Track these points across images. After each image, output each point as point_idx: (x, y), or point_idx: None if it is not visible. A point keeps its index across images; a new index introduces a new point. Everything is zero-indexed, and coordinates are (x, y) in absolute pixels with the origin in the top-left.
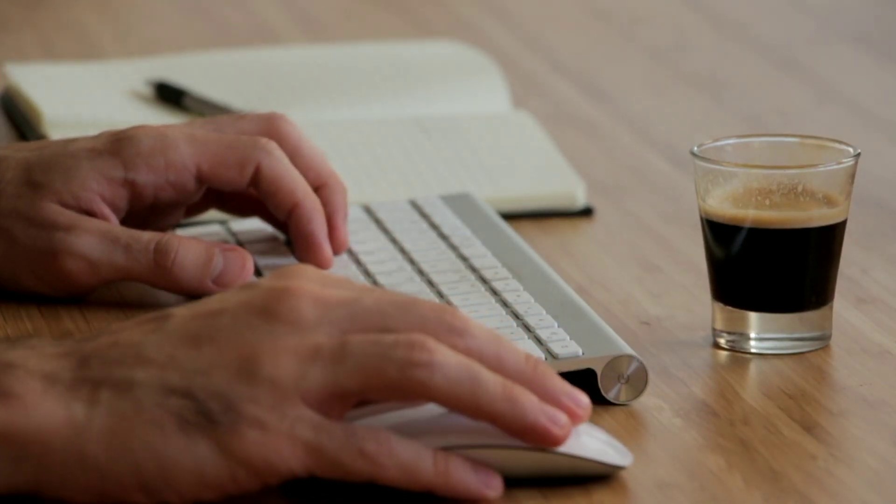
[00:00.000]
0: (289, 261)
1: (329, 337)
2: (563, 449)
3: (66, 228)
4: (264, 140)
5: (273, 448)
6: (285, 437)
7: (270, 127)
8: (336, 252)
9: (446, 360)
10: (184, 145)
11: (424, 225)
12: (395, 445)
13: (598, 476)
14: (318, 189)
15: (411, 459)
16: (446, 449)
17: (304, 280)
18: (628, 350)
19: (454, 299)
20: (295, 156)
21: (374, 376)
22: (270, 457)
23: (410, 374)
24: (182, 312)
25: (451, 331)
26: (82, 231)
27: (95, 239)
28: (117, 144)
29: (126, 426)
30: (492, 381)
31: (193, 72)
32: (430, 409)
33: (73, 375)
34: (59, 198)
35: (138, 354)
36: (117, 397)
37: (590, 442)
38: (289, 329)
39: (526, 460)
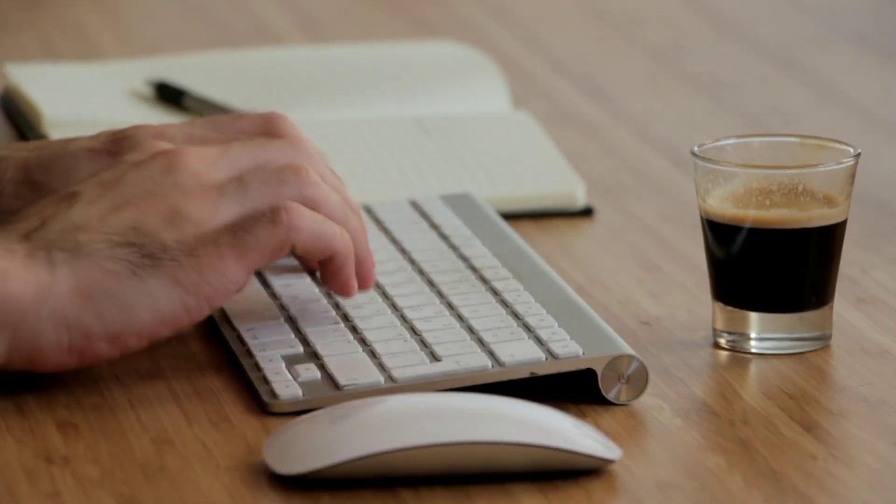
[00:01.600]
0: (287, 258)
1: (225, 175)
2: (556, 444)
3: None
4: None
5: (209, 267)
6: (216, 255)
7: (269, 126)
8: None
9: (319, 180)
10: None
11: (424, 225)
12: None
13: (592, 471)
14: None
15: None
16: (444, 444)
17: (178, 142)
18: (628, 350)
19: (454, 299)
20: None
21: (276, 195)
22: (210, 275)
23: (306, 192)
24: (87, 188)
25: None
26: None
27: None
28: (116, 145)
29: (86, 280)
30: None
31: (193, 72)
32: (427, 405)
33: (25, 247)
34: None
35: (71, 224)
36: (72, 257)
37: (580, 439)
38: (188, 179)
39: (520, 455)
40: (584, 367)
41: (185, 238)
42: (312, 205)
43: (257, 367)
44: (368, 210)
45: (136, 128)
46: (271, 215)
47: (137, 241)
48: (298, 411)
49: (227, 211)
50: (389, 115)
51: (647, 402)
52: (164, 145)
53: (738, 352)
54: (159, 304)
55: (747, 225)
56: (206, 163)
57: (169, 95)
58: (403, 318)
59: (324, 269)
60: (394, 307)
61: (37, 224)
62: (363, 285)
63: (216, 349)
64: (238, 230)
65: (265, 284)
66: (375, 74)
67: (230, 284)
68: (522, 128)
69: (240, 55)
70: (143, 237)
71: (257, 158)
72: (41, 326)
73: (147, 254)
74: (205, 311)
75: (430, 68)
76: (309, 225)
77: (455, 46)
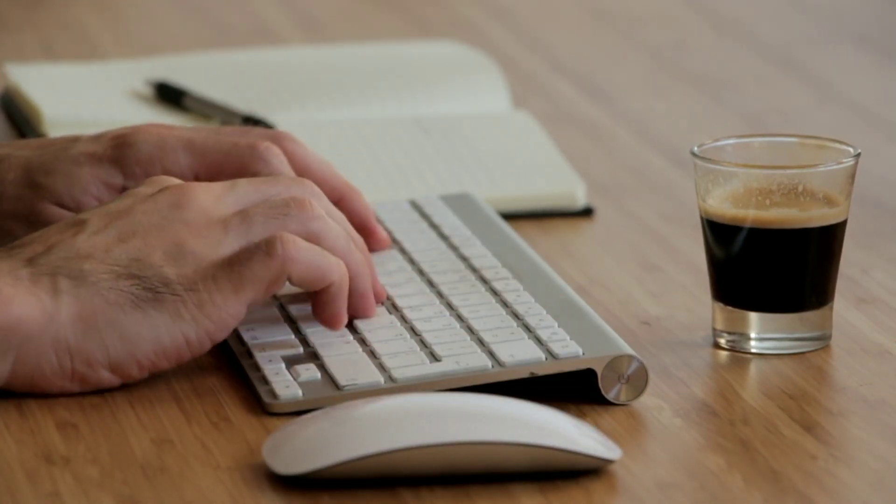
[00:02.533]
0: None
1: (230, 210)
2: (557, 444)
3: None
4: (264, 146)
5: (209, 301)
6: (215, 289)
7: (278, 145)
8: (378, 247)
9: (323, 213)
10: (182, 154)
11: (424, 225)
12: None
13: (592, 471)
14: (337, 203)
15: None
16: (444, 444)
17: (188, 180)
18: (628, 350)
19: (454, 299)
20: (305, 175)
21: (279, 228)
22: (210, 310)
23: (310, 225)
24: (95, 217)
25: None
26: None
27: None
28: (118, 151)
29: (90, 309)
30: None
31: (194, 72)
32: (427, 405)
33: (29, 272)
34: (60, 200)
35: (76, 252)
36: (75, 285)
37: (580, 439)
38: (196, 214)
39: (520, 455)
40: (584, 367)
41: (186, 273)
42: (315, 238)
43: (257, 367)
44: None
45: (137, 131)
46: (266, 247)
47: (140, 273)
48: (298, 411)
49: (230, 245)
50: (389, 116)
51: (647, 402)
52: (174, 180)
53: (738, 352)
54: (161, 337)
55: (747, 225)
56: (214, 198)
57: (169, 95)
58: (403, 318)
59: (316, 299)
60: (394, 307)
61: (42, 250)
62: (362, 315)
63: (216, 349)
64: (234, 263)
65: None
66: (376, 75)
67: (229, 319)
68: (523, 127)
69: (240, 55)
70: (147, 270)
71: (263, 194)
72: (44, 350)
73: (149, 287)
74: (206, 346)
75: (429, 68)
76: (304, 256)
77: (455, 46)
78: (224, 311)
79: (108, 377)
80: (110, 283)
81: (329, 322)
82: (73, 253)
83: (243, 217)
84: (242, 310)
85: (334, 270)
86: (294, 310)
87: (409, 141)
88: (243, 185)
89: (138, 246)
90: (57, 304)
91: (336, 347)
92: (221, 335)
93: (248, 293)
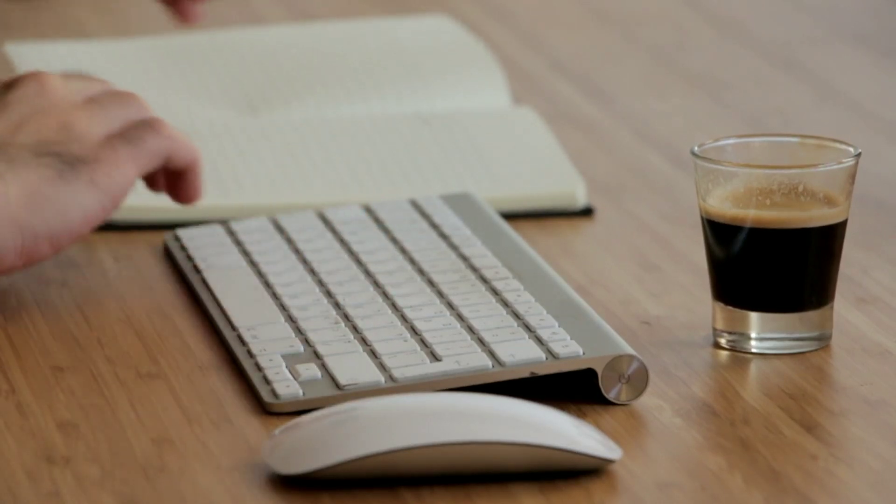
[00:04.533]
0: (287, 258)
1: (81, 97)
2: (557, 444)
3: None
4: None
5: (114, 169)
6: (117, 159)
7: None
8: None
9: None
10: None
11: (424, 225)
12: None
13: (592, 471)
14: None
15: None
16: (444, 444)
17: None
18: (629, 350)
19: (454, 299)
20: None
21: (133, 113)
22: (116, 177)
23: (149, 112)
24: None
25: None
26: None
27: None
28: None
29: (30, 186)
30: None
31: (192, 59)
32: (427, 405)
33: None
34: None
35: None
36: (10, 168)
37: (580, 439)
38: (62, 97)
39: (520, 455)
40: (584, 367)
41: (87, 146)
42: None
43: (258, 366)
44: (368, 210)
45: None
46: (154, 125)
47: (52, 150)
48: (299, 411)
49: (104, 123)
50: (390, 112)
51: (647, 402)
52: (35, 73)
53: (738, 352)
54: (86, 206)
55: (747, 225)
56: (62, 83)
57: None
58: (403, 318)
59: (183, 178)
60: (394, 307)
61: None
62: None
63: (216, 349)
64: (130, 138)
65: (265, 284)
66: (375, 71)
67: (128, 185)
68: (525, 123)
69: (232, 35)
70: (55, 147)
71: (92, 85)
72: (2, 232)
73: (66, 161)
74: (109, 215)
75: (426, 56)
76: (180, 135)
77: (442, 22)
78: (126, 178)
79: (47, 250)
80: (36, 161)
81: (194, 197)
82: None
83: (98, 103)
84: (136, 178)
85: (197, 150)
86: (294, 310)
87: (409, 136)
88: (73, 76)
89: (36, 129)
90: (5, 186)
91: (336, 347)
92: (122, 201)
93: (142, 163)
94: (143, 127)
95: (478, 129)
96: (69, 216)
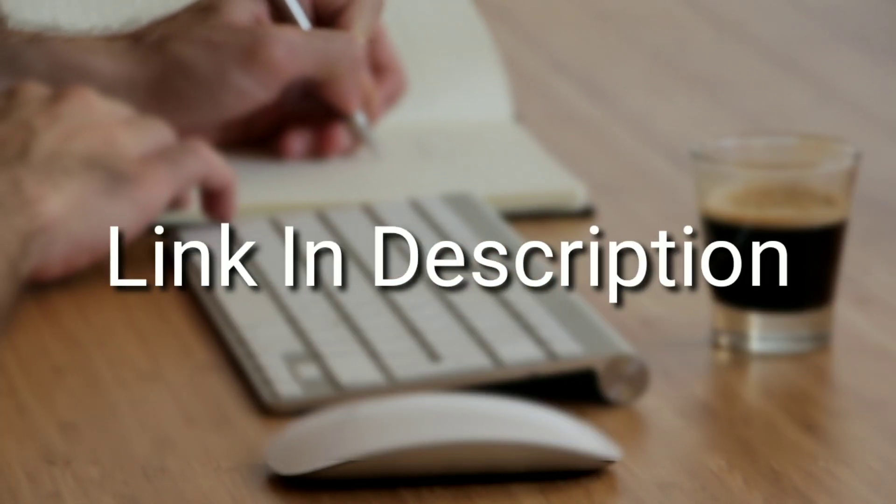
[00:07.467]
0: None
1: (128, 113)
2: (557, 444)
3: (265, 27)
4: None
5: (153, 188)
6: (157, 178)
7: None
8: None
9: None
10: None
11: (424, 225)
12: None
13: (592, 471)
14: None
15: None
16: (444, 444)
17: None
18: (628, 350)
19: (454, 299)
20: None
21: (163, 136)
22: (154, 196)
23: (171, 135)
24: (34, 119)
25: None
26: (281, 28)
27: (295, 31)
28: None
29: (81, 198)
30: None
31: None
32: (427, 405)
33: (27, 171)
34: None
35: (49, 152)
36: (67, 181)
37: (580, 438)
38: (104, 113)
39: (520, 455)
40: (584, 366)
41: (130, 163)
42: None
43: (258, 367)
44: (368, 210)
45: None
46: (193, 147)
47: (100, 164)
48: (299, 411)
49: (143, 142)
50: (389, 123)
51: (647, 402)
52: (43, 88)
53: (739, 352)
54: (125, 220)
55: (747, 225)
56: (99, 99)
57: None
58: (403, 318)
59: (218, 198)
60: (394, 307)
61: (13, 154)
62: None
63: (216, 349)
64: (171, 159)
65: (266, 284)
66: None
67: (164, 203)
68: (518, 140)
69: None
70: (104, 160)
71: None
72: (56, 243)
73: (113, 176)
74: (143, 228)
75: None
76: (216, 158)
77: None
78: (161, 200)
79: (84, 261)
80: (87, 174)
81: (228, 216)
82: (47, 152)
83: (144, 118)
84: (168, 200)
85: (232, 172)
86: (295, 310)
87: (408, 159)
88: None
89: (85, 142)
90: (62, 196)
91: (336, 347)
92: (154, 220)
93: (178, 185)
94: (183, 149)
95: (474, 145)
96: (108, 231)
